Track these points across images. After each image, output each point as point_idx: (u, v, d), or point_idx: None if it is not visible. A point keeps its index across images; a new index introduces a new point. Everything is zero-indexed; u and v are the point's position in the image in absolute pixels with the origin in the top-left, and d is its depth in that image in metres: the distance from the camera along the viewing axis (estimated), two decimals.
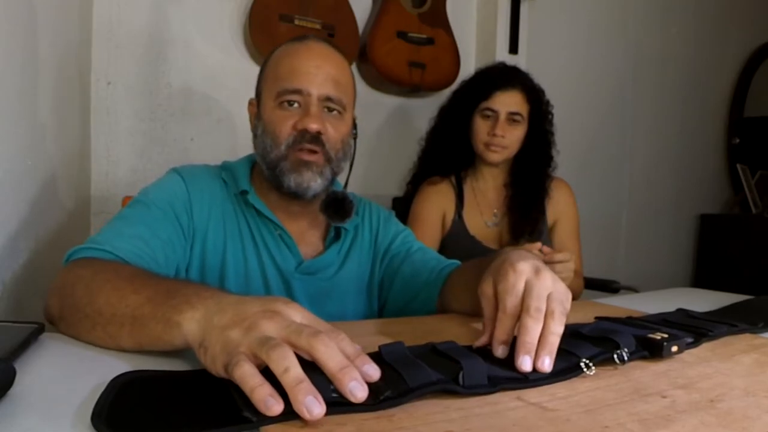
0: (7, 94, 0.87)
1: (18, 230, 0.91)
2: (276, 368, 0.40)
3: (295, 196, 0.89)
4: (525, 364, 0.50)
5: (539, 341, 0.52)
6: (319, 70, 0.86)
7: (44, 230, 1.05)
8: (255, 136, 0.92)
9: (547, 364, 0.51)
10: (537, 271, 0.56)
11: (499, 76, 1.44)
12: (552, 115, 1.52)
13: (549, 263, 1.11)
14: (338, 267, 0.96)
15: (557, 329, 0.53)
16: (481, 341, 0.58)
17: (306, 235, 0.95)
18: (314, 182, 0.87)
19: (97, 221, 1.47)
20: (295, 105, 0.86)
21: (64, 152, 1.22)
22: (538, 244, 1.12)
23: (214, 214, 0.89)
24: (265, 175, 0.91)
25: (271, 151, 0.87)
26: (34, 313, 0.69)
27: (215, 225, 0.89)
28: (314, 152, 0.86)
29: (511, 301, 0.55)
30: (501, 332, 0.55)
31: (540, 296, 0.54)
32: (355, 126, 0.96)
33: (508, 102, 1.41)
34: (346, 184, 0.98)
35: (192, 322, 0.49)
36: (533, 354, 0.51)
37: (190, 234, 0.87)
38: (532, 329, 0.52)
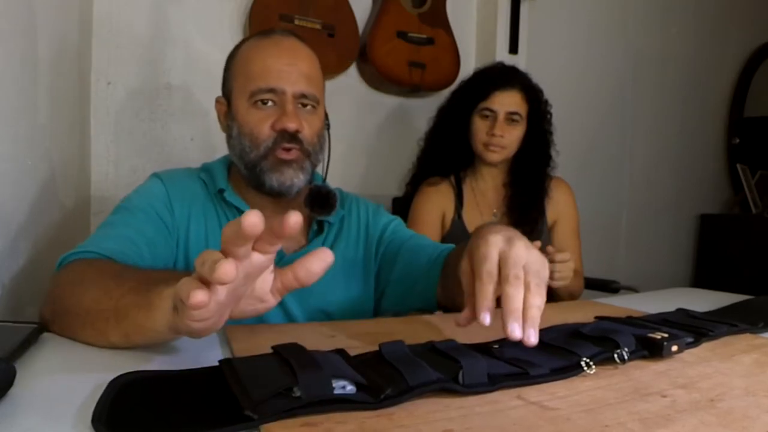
0: (6, 95, 0.87)
1: (18, 230, 0.91)
2: (202, 270, 0.41)
3: (278, 194, 0.89)
4: (515, 331, 0.50)
5: (523, 315, 0.52)
6: (291, 67, 0.86)
7: (44, 230, 1.05)
8: (229, 137, 0.91)
9: (533, 338, 0.51)
10: (509, 241, 0.56)
11: (497, 76, 1.45)
12: (551, 114, 1.52)
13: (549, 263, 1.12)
14: None
15: (536, 302, 0.52)
16: (463, 316, 0.58)
17: None
18: (297, 179, 0.88)
19: (96, 221, 1.47)
20: (270, 104, 0.86)
21: (64, 152, 1.22)
22: (538, 243, 1.12)
23: (195, 213, 0.90)
24: (242, 174, 0.91)
25: (249, 152, 0.87)
26: (34, 313, 0.69)
27: (196, 223, 0.89)
28: (292, 150, 0.87)
29: (485, 268, 0.54)
30: (481, 299, 0.54)
31: (516, 264, 0.53)
32: (326, 117, 0.96)
33: (507, 102, 1.41)
34: (325, 176, 0.99)
35: (169, 299, 0.48)
36: (521, 321, 0.51)
37: (174, 231, 0.88)
38: (515, 296, 0.52)
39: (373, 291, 1.00)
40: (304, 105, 0.88)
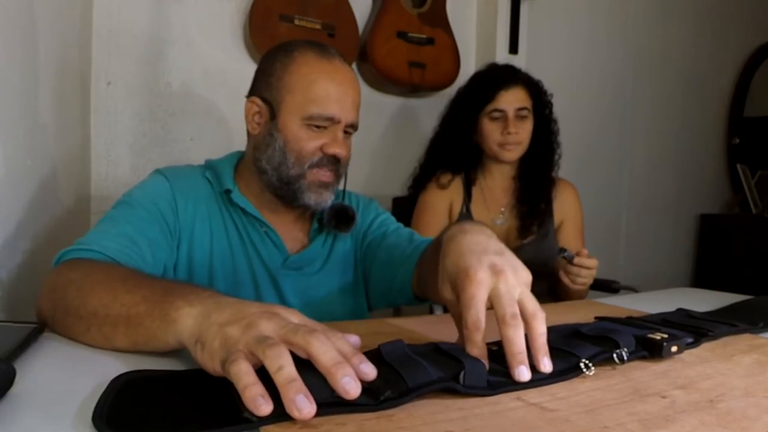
0: (7, 94, 0.87)
1: (18, 230, 0.91)
2: (270, 366, 0.40)
3: (307, 209, 0.93)
4: (522, 375, 0.48)
5: (531, 346, 0.50)
6: (347, 96, 0.89)
7: (44, 230, 1.05)
8: (267, 145, 0.89)
9: (548, 365, 0.50)
10: (497, 273, 0.52)
11: (500, 77, 1.46)
12: (552, 104, 1.54)
13: (577, 266, 1.21)
14: (324, 259, 0.97)
15: (543, 329, 0.51)
16: (457, 341, 0.56)
17: (290, 229, 0.96)
18: (330, 200, 0.92)
19: (96, 221, 1.46)
20: (322, 128, 0.88)
21: (64, 152, 1.22)
22: (585, 252, 1.20)
23: (200, 213, 0.90)
24: (271, 184, 0.91)
25: (291, 167, 0.88)
26: (34, 313, 0.69)
27: (201, 223, 0.89)
28: (331, 173, 0.90)
29: (472, 316, 0.51)
30: (471, 348, 0.51)
31: (511, 301, 0.51)
32: None
33: (514, 99, 1.43)
34: (344, 188, 1.01)
35: (189, 318, 0.50)
36: (527, 362, 0.49)
37: (177, 233, 0.87)
38: (517, 338, 0.49)
39: (363, 288, 1.01)
40: (347, 132, 0.91)
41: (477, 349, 0.51)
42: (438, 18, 1.85)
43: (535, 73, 1.52)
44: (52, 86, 1.10)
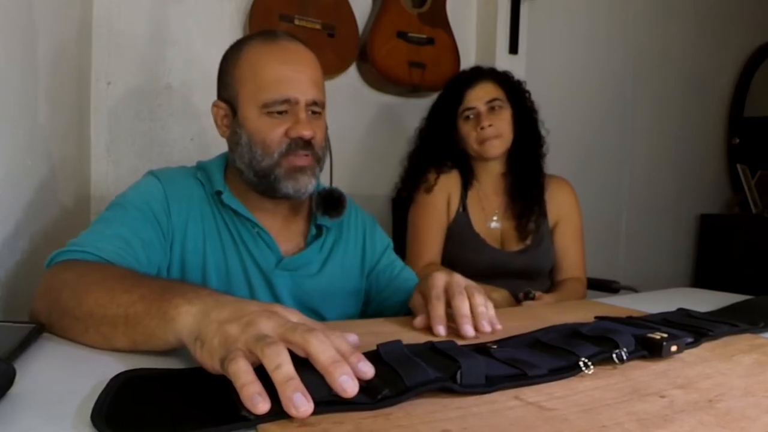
0: (6, 95, 0.87)
1: (17, 230, 0.91)
2: (268, 364, 0.41)
3: (289, 199, 0.90)
4: (467, 331, 0.65)
5: (474, 315, 0.66)
6: (301, 74, 0.86)
7: (43, 230, 1.05)
8: (236, 144, 0.89)
9: (486, 326, 0.66)
10: (450, 273, 0.73)
11: (464, 78, 1.47)
12: (528, 92, 1.53)
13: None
14: (321, 264, 0.96)
15: (481, 301, 0.68)
16: (419, 321, 0.72)
17: (285, 231, 0.95)
18: (310, 185, 0.89)
19: None
20: (283, 113, 0.86)
21: (64, 152, 1.22)
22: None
23: (193, 214, 0.89)
24: (249, 181, 0.89)
25: (261, 160, 0.86)
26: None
27: (194, 225, 0.89)
28: (306, 156, 0.87)
29: (434, 293, 0.70)
30: (434, 314, 0.68)
31: (459, 285, 0.70)
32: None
33: (482, 94, 1.43)
34: (331, 179, 1.00)
35: (188, 316, 0.50)
36: (471, 322, 0.65)
37: (170, 234, 0.87)
38: (461, 306, 0.67)
39: (361, 302, 1.02)
40: (314, 112, 0.89)
41: (439, 318, 0.68)
42: (438, 18, 1.85)
43: (535, 73, 1.52)
44: (51, 86, 1.10)
